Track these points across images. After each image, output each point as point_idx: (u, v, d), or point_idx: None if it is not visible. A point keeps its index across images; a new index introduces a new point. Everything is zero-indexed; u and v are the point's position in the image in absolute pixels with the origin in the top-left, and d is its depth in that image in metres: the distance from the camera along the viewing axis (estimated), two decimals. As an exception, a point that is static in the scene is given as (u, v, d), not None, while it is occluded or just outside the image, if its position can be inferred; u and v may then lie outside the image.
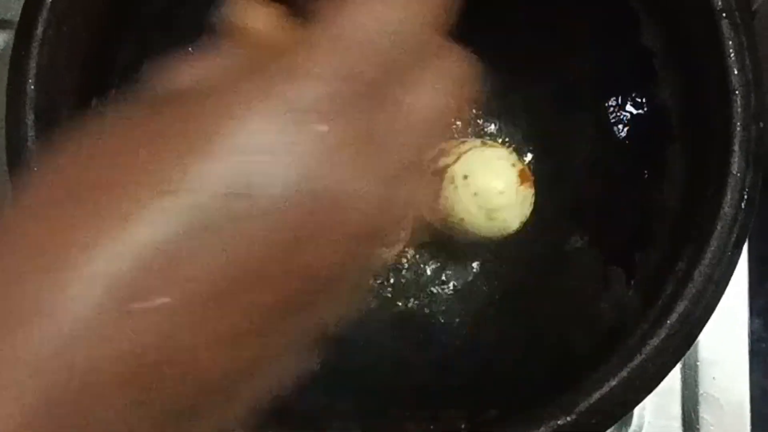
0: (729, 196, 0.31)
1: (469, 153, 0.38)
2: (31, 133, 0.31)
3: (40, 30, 0.31)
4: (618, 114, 0.38)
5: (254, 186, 0.14)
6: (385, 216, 0.16)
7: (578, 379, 0.31)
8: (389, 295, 0.41)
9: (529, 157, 0.42)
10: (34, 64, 0.31)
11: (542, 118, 0.43)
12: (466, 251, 0.42)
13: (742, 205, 0.31)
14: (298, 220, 0.15)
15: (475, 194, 0.37)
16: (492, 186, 0.37)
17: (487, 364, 0.37)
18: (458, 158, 0.38)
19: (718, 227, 0.31)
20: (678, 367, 0.38)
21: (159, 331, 0.14)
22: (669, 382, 0.33)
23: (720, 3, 0.32)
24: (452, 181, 0.37)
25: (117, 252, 0.14)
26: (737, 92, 0.32)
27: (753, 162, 0.32)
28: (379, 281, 0.42)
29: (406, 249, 0.41)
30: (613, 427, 0.31)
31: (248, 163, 0.15)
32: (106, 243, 0.14)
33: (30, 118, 0.31)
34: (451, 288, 0.42)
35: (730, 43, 0.32)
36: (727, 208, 0.31)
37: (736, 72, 0.32)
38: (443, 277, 0.42)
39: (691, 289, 0.31)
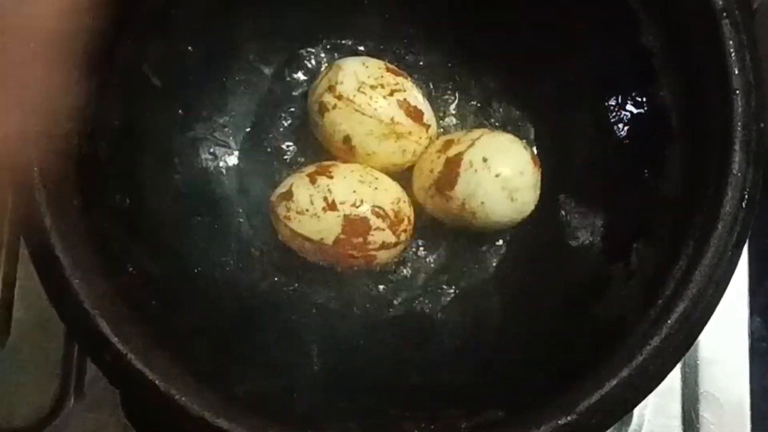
0: (729, 196, 0.31)
1: (483, 138, 0.39)
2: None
3: (39, 30, 0.31)
4: (618, 113, 0.38)
5: None
6: None
7: (578, 379, 0.31)
8: (389, 295, 0.42)
9: (529, 156, 0.42)
10: (34, 64, 0.31)
11: (542, 118, 0.43)
12: (467, 251, 0.42)
13: (743, 204, 0.31)
14: None
15: (497, 175, 0.37)
16: (514, 166, 0.38)
17: (487, 364, 0.37)
18: (472, 144, 0.38)
19: (719, 227, 0.31)
20: (678, 366, 0.38)
21: None
22: (669, 381, 0.33)
23: (720, 2, 0.32)
24: (471, 165, 0.38)
25: None
26: (737, 92, 0.32)
27: (753, 161, 0.32)
28: (379, 281, 0.42)
29: (407, 249, 0.41)
30: (613, 427, 0.31)
31: None
32: None
33: (30, 118, 0.31)
34: (451, 288, 0.42)
35: (731, 42, 0.32)
36: (727, 208, 0.31)
37: (736, 72, 0.32)
38: (443, 277, 0.42)
39: (691, 289, 0.31)
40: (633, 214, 0.36)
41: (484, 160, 0.38)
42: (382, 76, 0.40)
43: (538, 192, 0.39)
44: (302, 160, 0.43)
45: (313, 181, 0.38)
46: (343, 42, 0.44)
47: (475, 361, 0.38)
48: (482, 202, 0.38)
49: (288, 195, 0.38)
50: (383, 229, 0.38)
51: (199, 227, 0.40)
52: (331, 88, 0.39)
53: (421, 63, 0.44)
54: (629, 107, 0.38)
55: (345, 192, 0.38)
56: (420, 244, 0.42)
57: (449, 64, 0.44)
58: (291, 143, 0.43)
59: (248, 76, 0.43)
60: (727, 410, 0.43)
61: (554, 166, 0.40)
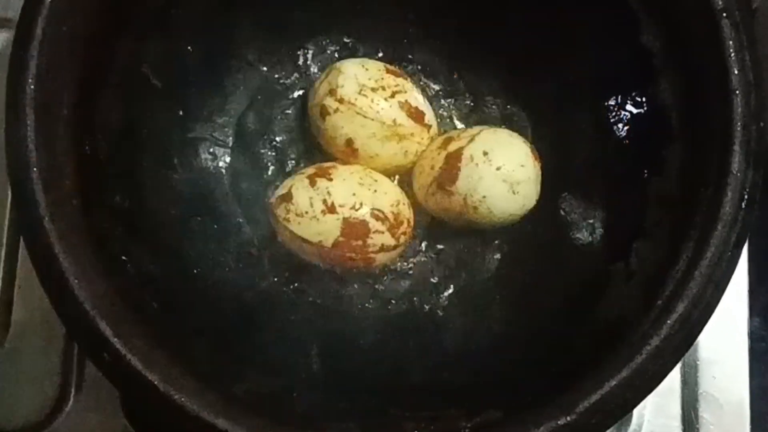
0: (729, 196, 0.31)
1: (482, 134, 0.39)
2: (30, 132, 0.31)
3: (40, 30, 0.31)
4: (618, 113, 0.38)
5: None
6: None
7: (578, 379, 0.31)
8: (389, 295, 0.41)
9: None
10: (34, 64, 0.31)
11: (542, 118, 0.43)
12: (467, 251, 0.42)
13: (743, 204, 0.31)
14: None
15: (499, 168, 0.37)
16: (515, 159, 0.38)
17: (487, 364, 0.37)
18: (472, 139, 0.38)
19: (718, 227, 0.31)
20: (678, 366, 0.38)
21: None
22: (669, 381, 0.33)
23: (720, 2, 0.32)
24: (471, 159, 0.38)
25: None
26: (737, 92, 0.32)
27: (753, 161, 0.32)
28: (379, 281, 0.42)
29: (407, 250, 0.41)
30: (613, 427, 0.31)
31: None
32: None
33: (30, 118, 0.31)
34: (451, 288, 0.42)
35: (730, 42, 0.32)
36: (727, 208, 0.31)
37: (736, 72, 0.32)
38: (443, 277, 0.42)
39: (691, 290, 0.31)
40: (633, 214, 0.36)
41: (485, 153, 0.38)
42: (382, 78, 0.40)
43: (539, 186, 0.39)
44: (302, 160, 0.43)
45: (312, 183, 0.38)
46: (343, 42, 0.44)
47: (475, 361, 0.38)
48: (484, 196, 0.38)
49: (287, 197, 0.38)
50: (382, 232, 0.38)
51: (198, 227, 0.40)
52: (332, 92, 0.39)
53: (421, 63, 0.44)
54: (629, 107, 0.38)
55: (344, 194, 0.38)
56: (420, 244, 0.42)
57: (449, 65, 0.44)
58: (291, 143, 0.43)
59: (248, 76, 0.43)
60: (727, 410, 0.43)
61: (554, 166, 0.40)
